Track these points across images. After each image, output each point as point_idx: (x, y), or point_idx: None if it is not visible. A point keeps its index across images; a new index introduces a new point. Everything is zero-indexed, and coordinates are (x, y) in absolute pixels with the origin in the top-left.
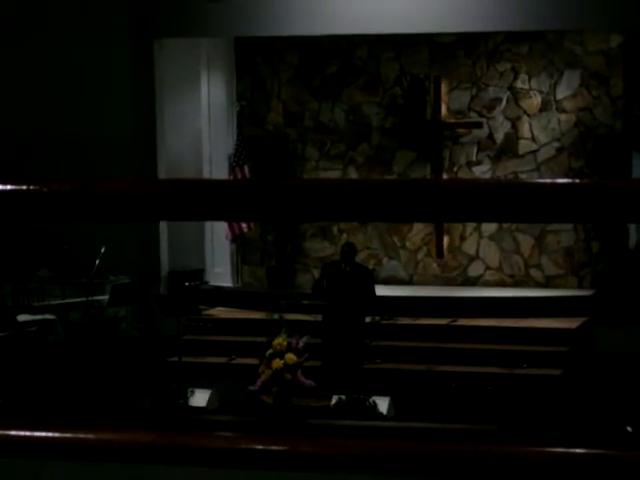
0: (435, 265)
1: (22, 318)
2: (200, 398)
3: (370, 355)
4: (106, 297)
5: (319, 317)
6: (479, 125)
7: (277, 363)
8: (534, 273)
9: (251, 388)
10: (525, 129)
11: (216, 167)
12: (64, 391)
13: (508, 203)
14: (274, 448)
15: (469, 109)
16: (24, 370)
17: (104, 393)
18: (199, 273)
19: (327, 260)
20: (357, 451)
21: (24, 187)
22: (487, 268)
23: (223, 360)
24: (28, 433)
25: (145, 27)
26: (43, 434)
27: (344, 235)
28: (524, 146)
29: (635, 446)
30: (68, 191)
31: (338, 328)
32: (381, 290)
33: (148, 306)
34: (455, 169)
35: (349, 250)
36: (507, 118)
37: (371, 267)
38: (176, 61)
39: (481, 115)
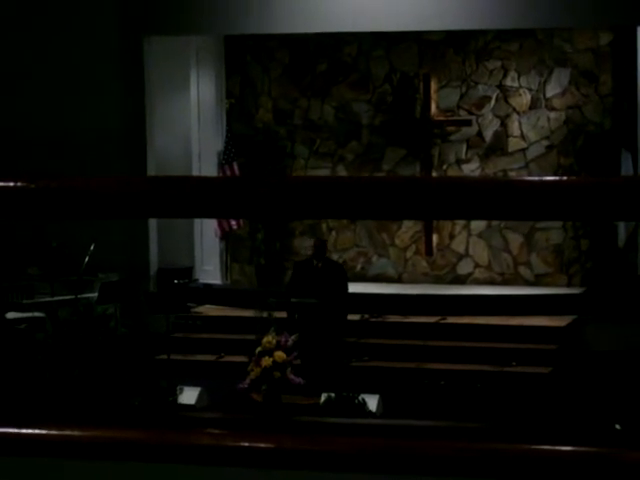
0: (424, 263)
1: (11, 316)
2: (189, 396)
3: (358, 353)
4: (95, 295)
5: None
6: (468, 123)
7: (266, 361)
8: (523, 271)
9: (240, 386)
10: (514, 127)
11: (205, 164)
12: (53, 389)
13: (497, 200)
14: (262, 445)
15: (458, 107)
16: (13, 368)
17: (93, 391)
18: (188, 271)
19: None
20: (346, 448)
21: (11, 184)
22: (476, 266)
23: (212, 358)
24: (15, 430)
25: (134, 24)
26: (31, 431)
27: (333, 233)
28: (513, 144)
29: (623, 444)
30: (55, 188)
31: (313, 325)
32: (370, 288)
33: (137, 304)
34: (444, 167)
35: (320, 245)
36: (496, 116)
37: (360, 265)
38: (165, 59)
39: (470, 113)
